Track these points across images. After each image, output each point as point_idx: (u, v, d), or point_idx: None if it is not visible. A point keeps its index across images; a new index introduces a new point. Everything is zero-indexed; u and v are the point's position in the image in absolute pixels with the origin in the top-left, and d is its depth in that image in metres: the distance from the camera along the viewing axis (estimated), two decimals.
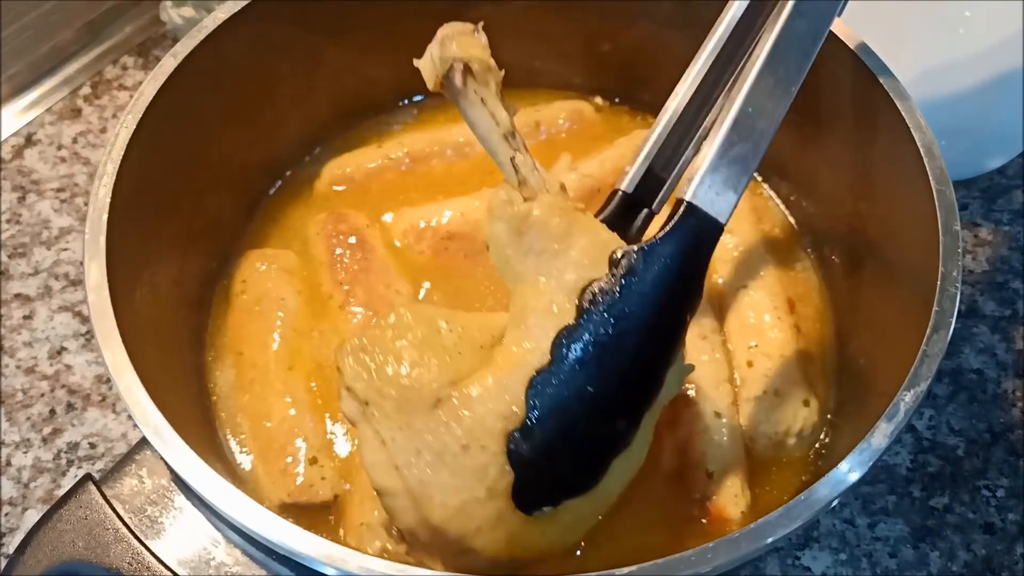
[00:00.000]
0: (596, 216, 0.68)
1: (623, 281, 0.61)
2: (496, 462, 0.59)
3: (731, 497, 0.74)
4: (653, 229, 0.65)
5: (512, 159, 0.63)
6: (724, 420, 0.77)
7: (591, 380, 0.60)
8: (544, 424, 0.60)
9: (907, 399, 0.61)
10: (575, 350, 0.60)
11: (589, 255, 0.62)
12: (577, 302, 0.61)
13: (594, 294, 0.61)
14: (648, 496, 0.76)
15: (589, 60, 1.01)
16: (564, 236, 0.62)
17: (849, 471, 0.60)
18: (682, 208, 0.63)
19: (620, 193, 0.72)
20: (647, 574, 0.55)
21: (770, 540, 0.57)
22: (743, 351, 0.82)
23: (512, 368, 0.61)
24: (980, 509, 0.87)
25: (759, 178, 0.97)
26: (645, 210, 0.73)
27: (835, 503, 0.59)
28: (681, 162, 0.73)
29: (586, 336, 0.60)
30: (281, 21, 0.85)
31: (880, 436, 0.61)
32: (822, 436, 0.80)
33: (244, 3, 0.81)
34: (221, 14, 0.80)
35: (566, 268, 0.62)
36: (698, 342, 0.81)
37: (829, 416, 0.80)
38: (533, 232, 0.62)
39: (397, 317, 0.64)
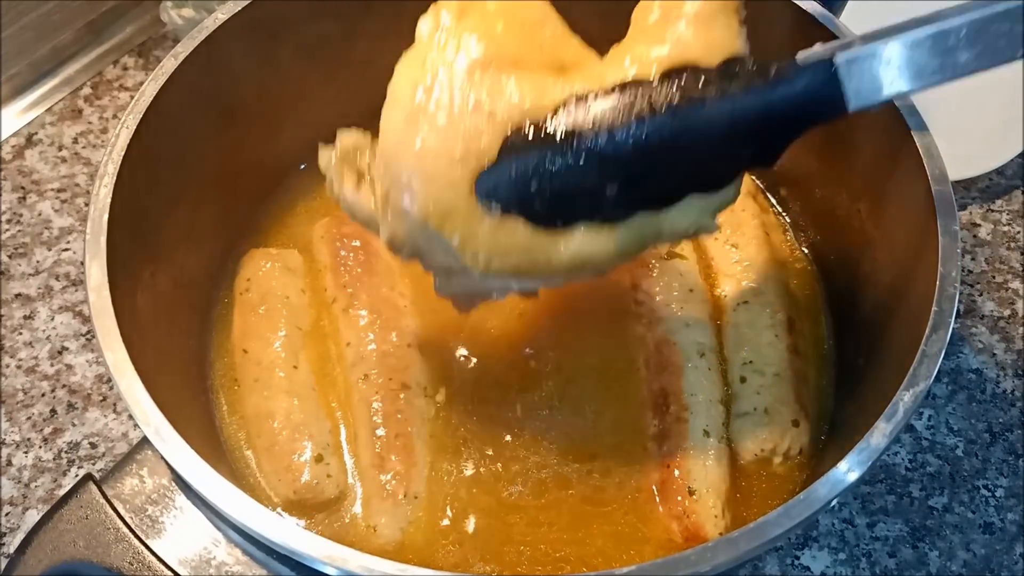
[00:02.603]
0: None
1: (721, 82, 0.59)
2: (490, 137, 0.60)
3: (710, 517, 0.73)
4: None
5: None
6: (712, 440, 0.77)
7: (621, 135, 0.59)
8: (552, 140, 0.59)
9: (906, 399, 0.62)
10: (630, 100, 0.59)
11: (711, 49, 0.60)
12: (668, 68, 0.60)
13: (686, 71, 0.59)
14: (629, 505, 0.76)
15: None
16: (705, 20, 0.61)
17: (848, 471, 0.60)
18: (827, 66, 0.58)
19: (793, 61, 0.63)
20: (646, 574, 0.55)
21: (769, 539, 0.57)
22: (737, 366, 0.82)
23: (566, 81, 0.61)
24: (979, 509, 0.87)
25: (762, 185, 0.97)
26: None
27: (834, 502, 0.59)
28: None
29: (648, 96, 0.59)
30: (283, 22, 0.85)
31: (879, 436, 0.61)
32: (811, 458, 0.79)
33: (245, 3, 0.81)
34: (222, 15, 0.80)
35: (682, 42, 0.60)
36: (697, 359, 0.81)
37: (822, 438, 0.80)
38: None
39: None
